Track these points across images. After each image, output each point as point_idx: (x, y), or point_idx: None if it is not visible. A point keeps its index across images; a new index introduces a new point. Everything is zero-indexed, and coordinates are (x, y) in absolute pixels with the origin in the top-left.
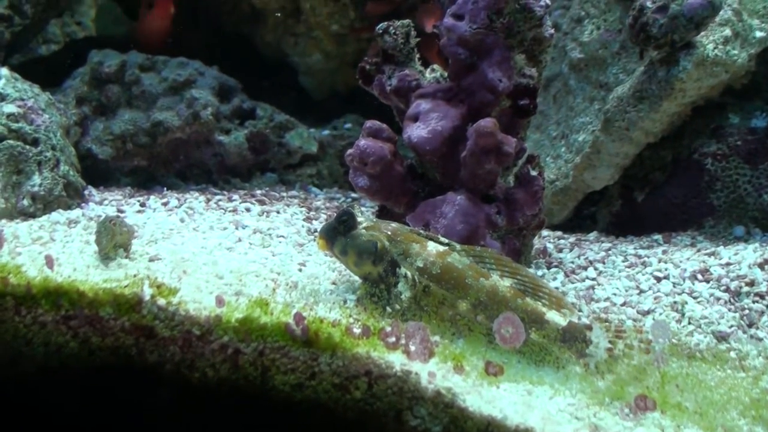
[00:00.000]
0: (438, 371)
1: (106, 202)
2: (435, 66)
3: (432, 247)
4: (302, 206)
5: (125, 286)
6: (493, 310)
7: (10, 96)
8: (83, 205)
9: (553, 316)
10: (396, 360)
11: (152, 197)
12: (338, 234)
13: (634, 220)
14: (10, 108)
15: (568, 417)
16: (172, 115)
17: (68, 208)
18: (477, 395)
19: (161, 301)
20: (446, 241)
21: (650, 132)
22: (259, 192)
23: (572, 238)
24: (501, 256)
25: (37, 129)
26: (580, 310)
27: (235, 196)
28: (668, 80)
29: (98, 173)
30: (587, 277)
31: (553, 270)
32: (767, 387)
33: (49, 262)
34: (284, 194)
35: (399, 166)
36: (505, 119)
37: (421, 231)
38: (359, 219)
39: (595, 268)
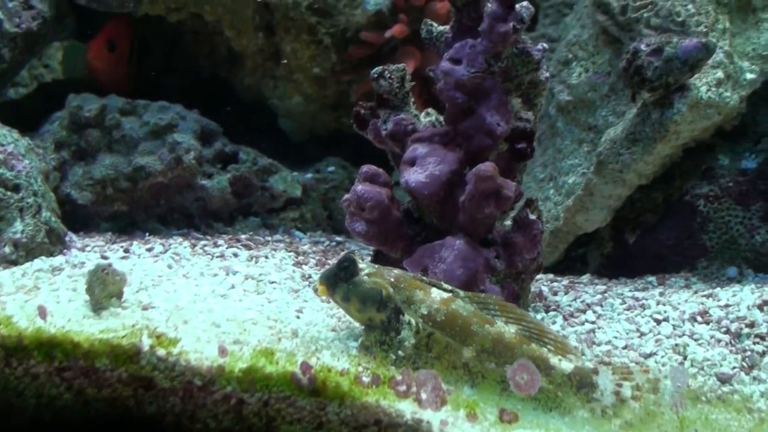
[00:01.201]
0: (450, 419)
1: (88, 248)
2: (430, 110)
3: (436, 293)
4: (289, 251)
5: (123, 337)
6: (500, 356)
7: None
8: (65, 251)
9: (560, 362)
10: (406, 408)
11: (135, 243)
12: (340, 280)
13: (626, 262)
14: None
15: None
16: (154, 159)
17: (51, 255)
18: None
19: (161, 352)
20: (449, 287)
21: (643, 174)
22: (243, 237)
23: (565, 281)
24: (505, 302)
25: (18, 175)
26: (583, 354)
27: (221, 241)
28: (662, 122)
29: (77, 218)
30: (586, 321)
31: (552, 314)
32: None
33: (42, 312)
34: (269, 238)
35: (396, 211)
36: (503, 163)
37: (424, 278)
38: (361, 265)
39: (594, 311)
